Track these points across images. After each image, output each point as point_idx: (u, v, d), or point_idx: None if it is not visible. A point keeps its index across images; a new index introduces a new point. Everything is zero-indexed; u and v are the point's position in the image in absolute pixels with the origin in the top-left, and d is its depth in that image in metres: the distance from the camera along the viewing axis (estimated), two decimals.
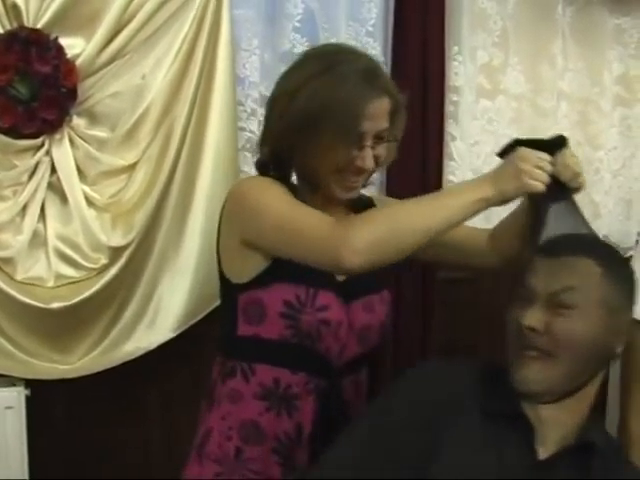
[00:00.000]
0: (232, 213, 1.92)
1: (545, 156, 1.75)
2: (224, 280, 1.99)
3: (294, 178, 1.97)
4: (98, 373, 2.55)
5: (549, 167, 1.74)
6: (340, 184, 1.88)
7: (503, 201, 1.74)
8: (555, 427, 1.61)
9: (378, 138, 1.86)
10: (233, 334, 1.94)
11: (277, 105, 1.88)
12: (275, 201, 1.82)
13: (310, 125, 1.80)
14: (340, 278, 1.91)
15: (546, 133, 3.06)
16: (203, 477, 1.93)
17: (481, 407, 1.62)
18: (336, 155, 1.82)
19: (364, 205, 2.02)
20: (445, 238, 1.82)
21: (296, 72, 1.88)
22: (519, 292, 1.64)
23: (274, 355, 1.89)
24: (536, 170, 1.72)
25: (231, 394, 1.93)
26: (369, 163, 1.86)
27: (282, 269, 1.84)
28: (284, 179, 1.92)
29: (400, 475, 1.59)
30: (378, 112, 1.84)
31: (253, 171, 2.64)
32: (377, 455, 1.63)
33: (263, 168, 1.99)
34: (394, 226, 1.71)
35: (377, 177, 2.85)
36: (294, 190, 1.90)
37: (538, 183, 1.72)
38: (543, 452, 1.59)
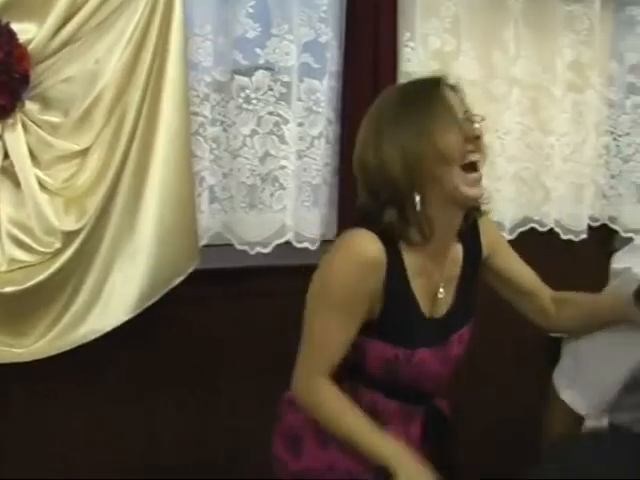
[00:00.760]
0: None
1: None
2: None
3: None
4: (55, 356, 2.57)
5: None
6: (464, 181, 1.94)
7: None
8: None
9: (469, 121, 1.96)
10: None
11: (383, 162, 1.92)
12: (320, 318, 1.97)
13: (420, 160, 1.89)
14: (438, 315, 2.06)
15: (498, 119, 3.14)
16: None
17: None
18: (452, 157, 1.90)
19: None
20: (519, 286, 2.20)
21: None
22: None
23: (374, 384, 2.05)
24: None
25: None
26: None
27: (381, 328, 1.97)
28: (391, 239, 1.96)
29: None
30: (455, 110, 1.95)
31: (207, 155, 2.69)
32: None
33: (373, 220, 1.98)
34: (325, 418, 1.98)
35: (330, 161, 2.90)
36: (397, 253, 1.96)
37: None
38: None
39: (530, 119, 3.27)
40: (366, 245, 1.92)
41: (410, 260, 1.97)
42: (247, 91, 2.77)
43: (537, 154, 3.28)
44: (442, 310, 2.08)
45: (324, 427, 2.00)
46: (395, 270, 1.95)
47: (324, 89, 2.87)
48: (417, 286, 2.01)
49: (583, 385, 2.15)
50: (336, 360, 1.98)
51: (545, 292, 2.25)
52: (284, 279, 2.79)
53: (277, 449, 2.19)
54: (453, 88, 2.01)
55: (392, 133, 1.91)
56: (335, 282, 1.95)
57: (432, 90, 1.95)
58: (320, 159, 2.88)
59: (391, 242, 1.94)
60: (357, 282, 1.92)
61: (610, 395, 2.15)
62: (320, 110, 2.87)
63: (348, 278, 1.92)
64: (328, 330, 1.96)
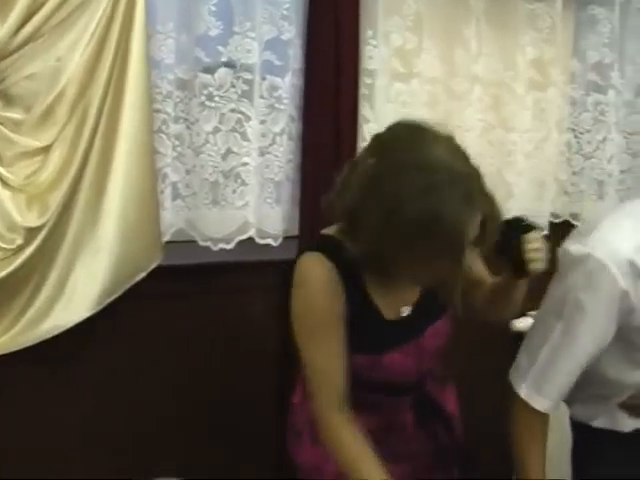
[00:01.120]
0: None
1: None
2: None
3: None
4: (17, 352, 2.57)
5: None
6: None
7: None
8: None
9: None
10: None
11: (375, 215, 1.85)
12: (309, 350, 2.02)
13: (414, 243, 1.81)
14: (405, 313, 2.11)
15: (460, 116, 3.17)
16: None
17: None
18: (434, 269, 1.88)
19: None
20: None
21: (395, 185, 1.83)
22: None
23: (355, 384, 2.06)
24: None
25: None
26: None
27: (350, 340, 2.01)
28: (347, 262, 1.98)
29: None
30: (474, 227, 1.87)
31: (169, 152, 2.71)
32: None
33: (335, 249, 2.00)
34: (341, 461, 2.03)
35: (292, 158, 2.92)
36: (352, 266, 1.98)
37: None
38: None
39: (492, 116, 3.30)
40: (315, 269, 1.99)
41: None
42: (210, 89, 2.78)
43: (499, 151, 3.32)
44: (405, 311, 2.12)
45: (340, 467, 2.05)
46: (350, 282, 2.00)
47: (286, 86, 2.89)
48: (377, 291, 2.05)
49: (537, 380, 2.18)
50: (342, 386, 2.02)
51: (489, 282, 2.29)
52: (247, 275, 2.83)
53: (289, 444, 2.30)
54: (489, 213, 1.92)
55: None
56: (304, 313, 2.01)
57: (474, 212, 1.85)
58: (282, 156, 2.90)
59: (343, 253, 1.97)
60: (322, 305, 1.98)
61: (564, 389, 2.18)
62: (282, 107, 2.89)
63: (312, 306, 1.99)
64: (322, 359, 2.01)
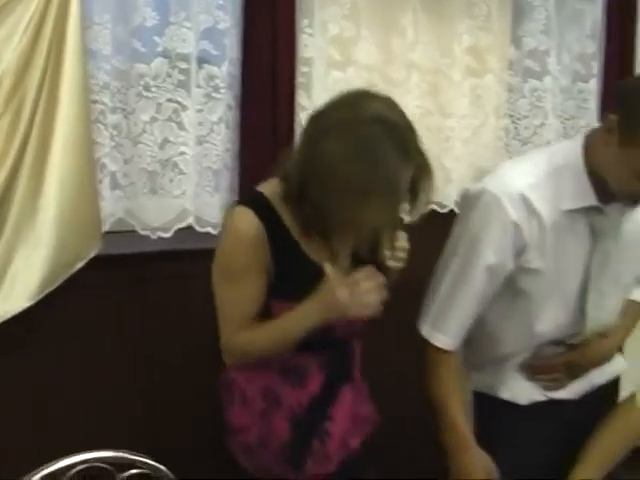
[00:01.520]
0: None
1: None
2: None
3: None
4: None
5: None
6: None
7: None
8: None
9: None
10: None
11: (311, 171, 1.98)
12: (224, 290, 2.16)
13: (349, 192, 1.93)
14: (341, 268, 2.15)
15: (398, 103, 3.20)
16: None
17: None
18: (369, 219, 1.99)
19: None
20: None
21: (332, 140, 1.94)
22: None
23: None
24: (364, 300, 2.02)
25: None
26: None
27: (280, 288, 2.15)
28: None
29: None
30: (406, 179, 2.00)
31: (107, 142, 2.72)
32: None
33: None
34: (254, 349, 2.19)
35: (230, 146, 2.95)
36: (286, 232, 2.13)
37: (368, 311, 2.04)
38: None
39: (430, 103, 3.34)
40: (243, 224, 2.11)
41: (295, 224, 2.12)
42: (146, 79, 2.79)
43: (437, 137, 3.36)
44: (344, 263, 2.20)
45: (265, 355, 2.20)
46: (279, 236, 2.12)
47: (223, 75, 2.90)
48: (310, 243, 2.15)
49: (436, 318, 2.25)
50: (250, 313, 2.15)
51: None
52: (187, 263, 2.84)
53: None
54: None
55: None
56: (225, 260, 2.16)
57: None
58: (220, 145, 2.92)
59: (273, 211, 2.12)
60: (242, 257, 2.11)
61: (463, 327, 2.25)
62: (219, 96, 2.90)
63: (233, 256, 2.13)
64: (234, 296, 2.15)
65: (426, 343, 2.28)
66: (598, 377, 2.46)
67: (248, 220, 2.10)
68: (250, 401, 2.30)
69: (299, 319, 2.10)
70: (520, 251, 2.16)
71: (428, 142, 3.23)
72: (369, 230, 2.10)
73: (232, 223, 2.15)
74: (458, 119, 3.40)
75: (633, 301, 2.46)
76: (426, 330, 2.28)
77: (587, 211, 2.17)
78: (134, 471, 2.12)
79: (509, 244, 2.14)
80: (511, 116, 3.59)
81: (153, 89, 2.81)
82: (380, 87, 3.16)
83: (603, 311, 2.27)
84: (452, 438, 2.26)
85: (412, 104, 3.26)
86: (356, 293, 2.01)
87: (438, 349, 2.26)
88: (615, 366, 2.51)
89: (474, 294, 2.20)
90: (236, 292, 2.14)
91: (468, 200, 2.23)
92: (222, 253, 2.16)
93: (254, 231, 2.09)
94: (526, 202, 2.12)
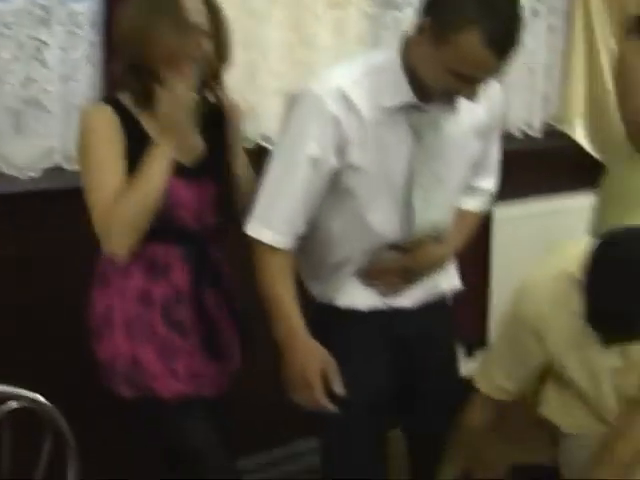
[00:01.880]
0: None
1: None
2: None
3: None
4: None
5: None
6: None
7: None
8: None
9: None
10: None
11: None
12: (90, 157, 2.30)
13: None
14: (187, 164, 2.35)
15: (260, 35, 3.22)
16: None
17: None
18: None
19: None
20: None
21: None
22: None
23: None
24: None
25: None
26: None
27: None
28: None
29: None
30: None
31: None
32: None
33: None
34: (128, 210, 2.22)
35: (97, 83, 2.92)
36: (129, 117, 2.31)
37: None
38: None
39: (292, 36, 3.37)
40: (95, 116, 2.32)
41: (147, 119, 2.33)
42: (6, 16, 2.75)
43: (302, 70, 3.40)
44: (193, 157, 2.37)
45: (140, 219, 2.24)
46: (132, 130, 2.30)
47: (86, 12, 2.89)
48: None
49: (263, 213, 2.29)
50: (116, 180, 2.26)
51: None
52: (56, 203, 2.82)
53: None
54: None
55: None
56: (84, 149, 2.33)
57: None
58: (84, 81, 2.91)
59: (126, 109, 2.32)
60: (97, 145, 2.28)
61: (291, 221, 2.28)
62: (82, 34, 2.89)
63: (90, 144, 2.30)
64: (98, 180, 2.28)
65: (256, 244, 2.29)
66: (435, 287, 2.54)
67: (101, 112, 2.31)
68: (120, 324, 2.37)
69: (154, 157, 2.24)
70: (342, 147, 2.24)
71: (292, 75, 3.33)
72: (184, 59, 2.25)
73: (84, 118, 2.34)
74: (322, 51, 3.43)
75: (466, 210, 2.57)
76: (252, 228, 2.28)
77: (407, 109, 2.27)
78: (14, 404, 2.00)
79: (330, 138, 2.22)
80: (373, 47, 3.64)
81: (13, 27, 2.77)
82: (241, 19, 3.19)
83: (430, 208, 2.35)
84: (285, 329, 2.26)
85: (275, 37, 3.30)
86: None
87: (268, 248, 2.27)
88: (452, 279, 2.62)
89: (300, 186, 2.24)
90: (104, 166, 2.26)
91: (292, 101, 2.32)
92: (82, 145, 2.33)
93: (107, 118, 2.28)
94: (345, 97, 2.22)
